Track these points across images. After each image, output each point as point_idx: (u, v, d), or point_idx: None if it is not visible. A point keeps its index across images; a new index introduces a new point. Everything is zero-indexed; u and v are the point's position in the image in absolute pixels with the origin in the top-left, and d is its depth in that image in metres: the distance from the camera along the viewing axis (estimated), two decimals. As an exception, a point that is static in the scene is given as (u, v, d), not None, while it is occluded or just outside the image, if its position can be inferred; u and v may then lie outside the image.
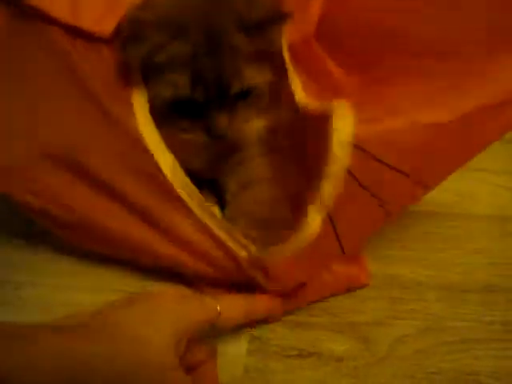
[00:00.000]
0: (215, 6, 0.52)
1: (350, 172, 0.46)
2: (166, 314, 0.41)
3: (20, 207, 0.55)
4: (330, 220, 0.49)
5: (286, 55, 0.53)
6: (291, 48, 0.53)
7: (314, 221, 0.48)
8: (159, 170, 0.51)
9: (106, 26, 0.50)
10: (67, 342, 0.37)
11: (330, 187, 0.47)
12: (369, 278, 0.58)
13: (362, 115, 0.46)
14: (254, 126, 0.58)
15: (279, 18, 0.52)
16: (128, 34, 0.49)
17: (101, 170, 0.53)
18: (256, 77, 0.54)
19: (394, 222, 0.65)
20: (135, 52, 0.49)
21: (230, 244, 0.52)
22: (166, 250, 0.54)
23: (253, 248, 0.52)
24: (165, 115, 0.53)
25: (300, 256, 0.50)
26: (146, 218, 0.54)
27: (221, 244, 0.52)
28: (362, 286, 0.58)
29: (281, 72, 0.54)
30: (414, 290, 0.58)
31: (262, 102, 0.57)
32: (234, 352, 0.53)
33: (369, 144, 0.46)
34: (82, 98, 0.51)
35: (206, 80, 0.51)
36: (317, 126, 0.48)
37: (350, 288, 0.58)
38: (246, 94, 0.54)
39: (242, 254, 0.52)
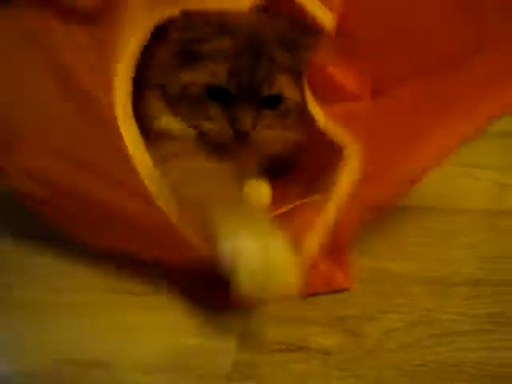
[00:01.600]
0: (262, 20, 0.57)
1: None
2: None
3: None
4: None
5: (304, 81, 0.57)
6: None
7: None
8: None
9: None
10: None
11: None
12: (350, 282, 0.58)
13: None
14: (278, 136, 0.60)
15: (312, 37, 0.57)
16: (180, 24, 0.54)
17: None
18: (288, 90, 0.58)
19: (383, 217, 0.66)
20: (184, 35, 0.54)
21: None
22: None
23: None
24: (194, 102, 0.56)
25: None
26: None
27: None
28: (343, 289, 0.58)
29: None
30: (402, 284, 0.59)
31: (289, 117, 0.60)
32: (223, 347, 0.53)
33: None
34: (58, 77, 0.52)
35: (241, 76, 0.55)
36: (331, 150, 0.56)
37: (330, 289, 0.58)
38: (274, 103, 0.58)
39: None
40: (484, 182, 0.74)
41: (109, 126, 0.49)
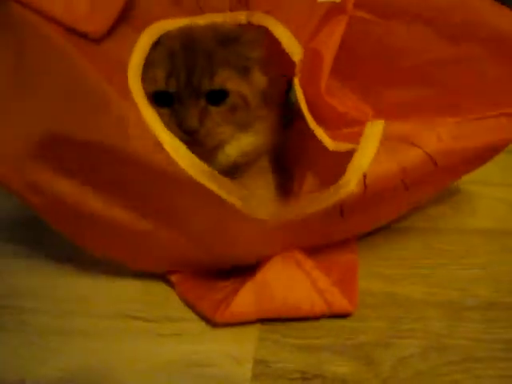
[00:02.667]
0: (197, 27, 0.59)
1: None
2: None
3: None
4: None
5: (306, 110, 0.57)
6: (308, 103, 0.58)
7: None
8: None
9: (99, 27, 0.53)
10: None
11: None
12: (355, 306, 0.58)
13: None
14: (228, 132, 0.60)
15: (250, 35, 0.59)
16: None
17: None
18: (231, 83, 0.58)
19: (391, 239, 0.66)
20: None
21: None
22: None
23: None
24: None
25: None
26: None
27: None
28: (346, 315, 0.58)
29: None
30: (414, 309, 0.58)
31: (239, 112, 0.60)
32: (238, 376, 0.52)
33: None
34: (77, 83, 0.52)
35: (179, 75, 0.56)
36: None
37: (333, 312, 0.57)
38: (220, 98, 0.58)
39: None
40: (489, 200, 0.74)
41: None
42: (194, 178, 0.50)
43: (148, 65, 0.55)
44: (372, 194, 0.54)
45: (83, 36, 0.52)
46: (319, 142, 0.57)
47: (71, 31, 0.51)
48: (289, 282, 0.58)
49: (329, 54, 0.59)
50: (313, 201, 0.53)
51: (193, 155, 0.51)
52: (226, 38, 0.58)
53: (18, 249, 0.68)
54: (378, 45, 0.61)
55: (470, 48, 0.59)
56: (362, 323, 0.57)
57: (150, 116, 0.52)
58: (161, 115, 0.54)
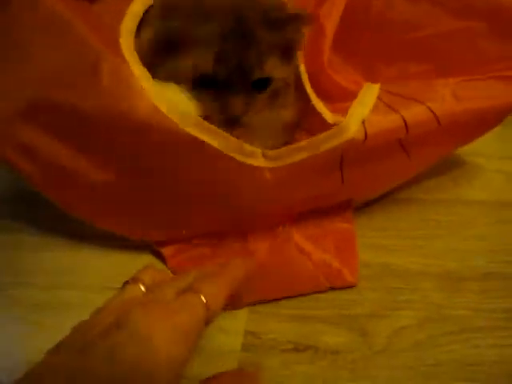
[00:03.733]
0: (244, 1, 0.56)
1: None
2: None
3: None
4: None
5: (307, 83, 0.58)
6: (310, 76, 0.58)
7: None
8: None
9: None
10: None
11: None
12: (356, 278, 0.57)
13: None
14: (270, 119, 0.59)
15: (298, 19, 0.56)
16: (159, 14, 0.54)
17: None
18: (277, 70, 0.56)
19: (389, 210, 0.65)
20: (163, 28, 0.54)
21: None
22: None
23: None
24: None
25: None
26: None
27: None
28: (348, 286, 0.56)
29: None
30: (411, 280, 0.57)
31: (279, 97, 0.58)
32: (228, 347, 0.51)
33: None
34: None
35: (229, 61, 0.53)
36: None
37: (335, 286, 0.56)
38: (264, 85, 0.56)
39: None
40: (488, 172, 0.72)
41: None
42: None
43: (190, 41, 0.53)
44: (372, 146, 0.53)
45: None
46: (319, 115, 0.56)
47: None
48: (288, 261, 0.57)
49: (330, 27, 0.58)
50: (312, 143, 0.52)
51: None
52: (274, 21, 0.55)
53: (5, 223, 0.66)
54: (379, 18, 0.61)
55: (470, 21, 0.58)
56: (358, 294, 0.56)
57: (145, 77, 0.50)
58: (201, 97, 0.54)
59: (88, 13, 0.52)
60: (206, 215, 0.58)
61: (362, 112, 0.53)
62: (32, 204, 0.64)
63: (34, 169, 0.54)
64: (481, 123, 0.59)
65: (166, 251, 0.59)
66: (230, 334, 0.52)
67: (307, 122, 0.61)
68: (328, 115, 0.56)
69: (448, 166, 0.70)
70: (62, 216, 0.59)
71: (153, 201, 0.56)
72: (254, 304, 0.55)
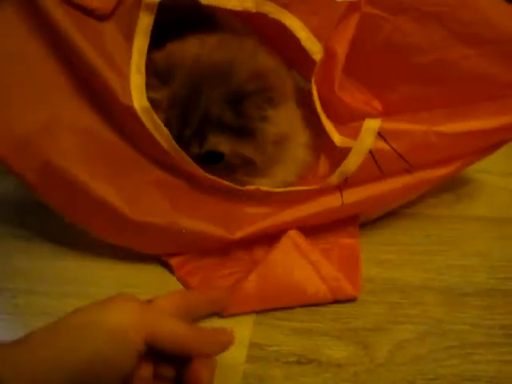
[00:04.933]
0: (217, 64, 0.57)
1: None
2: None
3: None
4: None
5: (319, 106, 0.58)
6: (321, 98, 0.59)
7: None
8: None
9: (106, 4, 0.53)
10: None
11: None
12: (358, 291, 0.57)
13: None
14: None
15: (260, 96, 0.56)
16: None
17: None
18: (226, 147, 0.57)
19: (393, 225, 0.66)
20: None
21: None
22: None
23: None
24: None
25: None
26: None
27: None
28: (350, 299, 0.57)
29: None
30: (413, 294, 0.58)
31: (239, 170, 0.60)
32: (233, 359, 0.52)
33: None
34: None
35: (171, 129, 0.55)
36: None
37: (338, 299, 0.57)
38: (215, 160, 0.58)
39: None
40: (490, 188, 0.73)
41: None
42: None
43: (153, 102, 0.54)
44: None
45: (88, 13, 0.52)
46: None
47: (76, 8, 0.52)
48: (292, 271, 0.57)
49: (342, 51, 0.59)
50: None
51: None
52: (232, 99, 0.56)
53: (17, 231, 0.68)
54: (387, 41, 0.61)
55: (476, 48, 0.59)
56: (360, 308, 0.57)
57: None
58: None
59: (97, 31, 0.54)
60: None
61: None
62: (42, 212, 0.64)
63: (40, 179, 0.56)
64: (488, 144, 0.60)
65: (174, 261, 0.61)
66: (235, 345, 0.53)
67: (323, 143, 0.63)
68: (336, 137, 0.58)
69: (451, 182, 0.71)
70: (71, 225, 0.60)
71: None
72: (257, 312, 0.56)
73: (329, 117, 0.60)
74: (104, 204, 0.55)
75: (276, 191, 0.58)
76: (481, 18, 0.57)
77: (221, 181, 0.57)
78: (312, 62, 0.58)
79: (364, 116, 0.60)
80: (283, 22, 0.58)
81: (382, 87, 0.65)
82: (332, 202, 0.58)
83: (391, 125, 0.56)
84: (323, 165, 0.65)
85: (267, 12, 0.58)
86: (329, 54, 0.59)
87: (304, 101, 0.64)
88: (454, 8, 0.58)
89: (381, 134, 0.55)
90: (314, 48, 0.58)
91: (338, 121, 0.60)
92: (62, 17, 0.52)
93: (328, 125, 0.59)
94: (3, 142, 0.54)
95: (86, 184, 0.54)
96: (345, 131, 0.59)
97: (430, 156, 0.58)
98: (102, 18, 0.53)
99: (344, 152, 0.57)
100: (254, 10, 0.58)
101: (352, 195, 0.58)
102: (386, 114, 0.65)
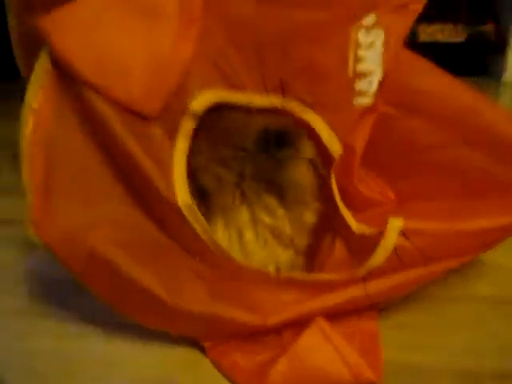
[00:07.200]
0: None
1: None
2: None
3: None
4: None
5: (338, 196, 0.63)
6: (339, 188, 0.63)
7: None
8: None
9: (155, 104, 0.57)
10: None
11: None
12: (379, 376, 0.58)
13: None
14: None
15: None
16: None
17: None
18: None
19: (405, 308, 0.69)
20: None
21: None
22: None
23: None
24: None
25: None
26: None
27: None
28: (369, 383, 0.59)
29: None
30: (428, 377, 0.59)
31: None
32: None
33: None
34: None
35: None
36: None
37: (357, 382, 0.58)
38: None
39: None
40: (494, 267, 0.77)
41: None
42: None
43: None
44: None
45: (137, 115, 0.56)
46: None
47: (125, 111, 0.56)
48: (318, 357, 0.60)
49: (360, 147, 0.64)
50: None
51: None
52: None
53: (45, 309, 0.70)
54: (400, 140, 0.66)
55: (480, 152, 0.63)
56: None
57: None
58: None
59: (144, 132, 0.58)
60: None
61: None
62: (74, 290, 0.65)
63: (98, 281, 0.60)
64: (499, 238, 0.65)
65: (206, 342, 0.63)
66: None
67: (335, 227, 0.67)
68: (354, 225, 0.62)
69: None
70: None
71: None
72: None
73: (345, 205, 0.64)
74: (147, 292, 0.58)
75: (309, 279, 0.62)
76: (486, 125, 0.62)
77: (261, 269, 0.62)
78: (331, 157, 0.64)
79: (378, 204, 0.65)
80: (306, 120, 0.63)
81: (394, 179, 0.69)
82: (356, 291, 0.62)
83: (413, 224, 0.60)
84: (340, 248, 0.67)
85: (292, 109, 0.63)
86: (347, 150, 0.64)
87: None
88: (459, 113, 0.63)
89: (404, 233, 0.59)
90: (334, 147, 0.64)
91: (353, 208, 0.65)
92: (111, 115, 0.56)
93: (346, 213, 0.63)
94: (51, 231, 0.57)
95: (129, 274, 0.58)
96: (359, 218, 0.64)
97: (445, 251, 0.62)
98: (149, 118, 0.57)
99: (362, 240, 0.62)
100: (279, 106, 0.63)
101: (374, 286, 0.62)
102: (398, 202, 0.69)
